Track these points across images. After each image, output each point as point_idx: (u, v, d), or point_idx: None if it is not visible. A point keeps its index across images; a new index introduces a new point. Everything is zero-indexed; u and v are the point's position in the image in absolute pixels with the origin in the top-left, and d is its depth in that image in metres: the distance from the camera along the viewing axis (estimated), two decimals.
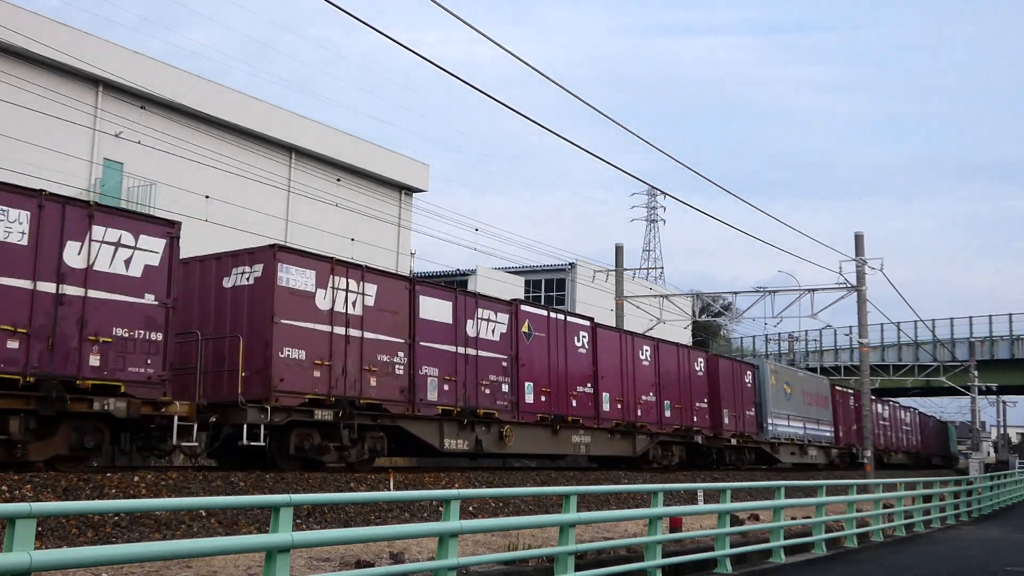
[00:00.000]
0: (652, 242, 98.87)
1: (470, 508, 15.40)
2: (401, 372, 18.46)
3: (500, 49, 13.96)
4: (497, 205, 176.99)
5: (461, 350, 20.08)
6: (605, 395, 25.02)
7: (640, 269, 52.04)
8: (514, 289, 45.83)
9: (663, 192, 25.66)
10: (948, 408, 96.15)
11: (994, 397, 73.38)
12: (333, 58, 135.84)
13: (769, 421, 34.58)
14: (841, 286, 34.53)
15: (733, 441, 31.64)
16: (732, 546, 13.58)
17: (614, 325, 32.86)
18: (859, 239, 34.50)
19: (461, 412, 19.79)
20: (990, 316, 63.36)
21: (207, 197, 29.93)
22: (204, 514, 12.07)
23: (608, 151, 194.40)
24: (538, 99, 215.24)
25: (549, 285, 52.63)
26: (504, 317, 21.75)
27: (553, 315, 23.68)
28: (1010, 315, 62.37)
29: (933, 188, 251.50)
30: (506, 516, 15.44)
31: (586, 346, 24.62)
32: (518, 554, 10.48)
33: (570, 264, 50.77)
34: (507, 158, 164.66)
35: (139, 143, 29.51)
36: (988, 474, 38.76)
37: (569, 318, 24.50)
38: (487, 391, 20.64)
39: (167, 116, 31.00)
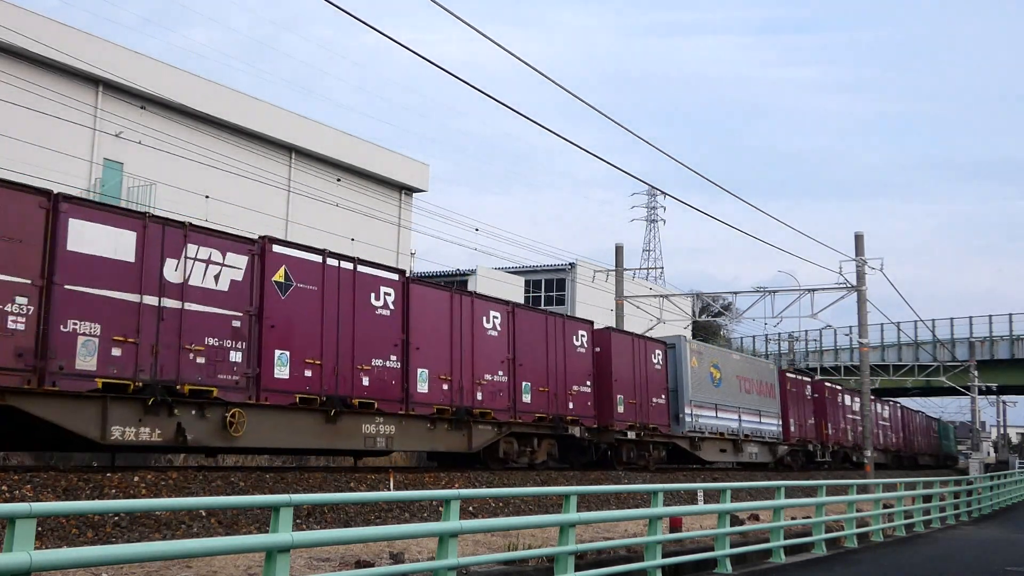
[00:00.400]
0: (652, 242, 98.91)
1: (470, 508, 15.40)
2: (20, 327, 12.71)
3: (500, 49, 13.97)
4: (497, 205, 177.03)
5: (151, 300, 14.24)
6: (421, 372, 18.71)
7: (640, 269, 51.96)
8: (514, 289, 45.84)
9: (663, 192, 25.65)
10: (948, 408, 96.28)
11: (994, 397, 73.36)
12: (333, 58, 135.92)
13: (687, 411, 28.66)
14: (841, 286, 34.52)
15: (631, 435, 25.47)
16: (732, 546, 13.59)
17: (477, 291, 23.97)
18: (859, 239, 34.49)
19: (144, 388, 13.92)
20: (990, 316, 63.43)
21: (207, 197, 29.93)
22: (204, 514, 12.07)
23: (608, 151, 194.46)
24: (538, 99, 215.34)
25: (549, 285, 52.62)
26: (238, 259, 15.66)
27: (333, 262, 17.41)
28: (1010, 315, 62.43)
29: (933, 188, 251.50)
30: (506, 516, 15.43)
31: (391, 306, 18.21)
32: (518, 554, 10.47)
33: (570, 264, 50.76)
34: (507, 158, 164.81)
35: (139, 143, 29.52)
36: (988, 474, 38.73)
37: (362, 267, 17.99)
38: (200, 360, 14.84)
39: (167, 116, 31.01)
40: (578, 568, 10.35)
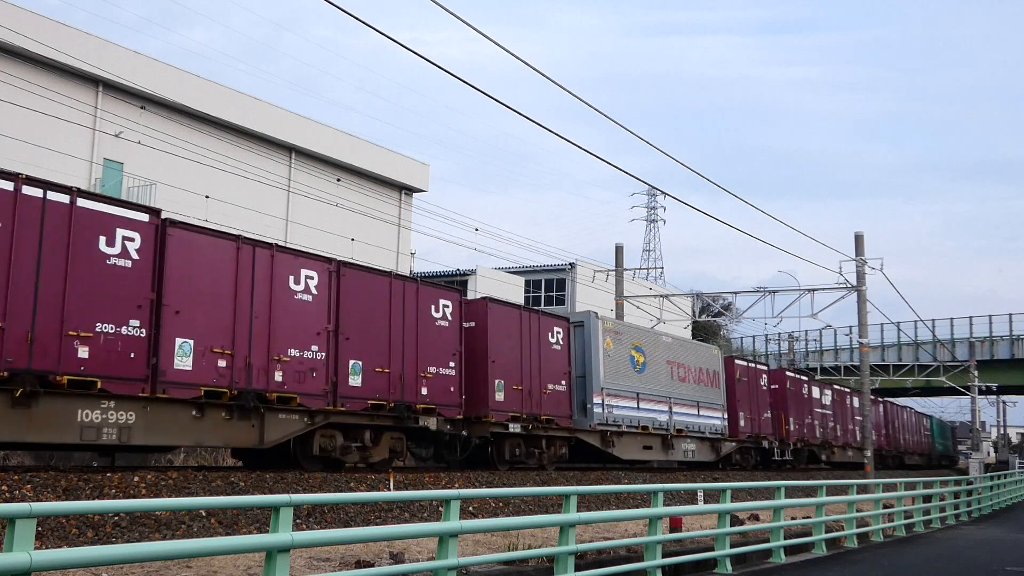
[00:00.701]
0: (652, 242, 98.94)
1: (470, 508, 15.40)
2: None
3: (500, 49, 13.97)
4: (497, 205, 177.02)
5: None
6: (183, 342, 14.68)
7: (640, 269, 51.98)
8: (514, 289, 45.84)
9: (663, 192, 25.54)
10: (948, 408, 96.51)
11: (994, 397, 73.37)
12: (334, 58, 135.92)
13: (597, 401, 24.23)
14: (841, 286, 34.53)
15: (515, 427, 21.13)
16: (732, 546, 13.58)
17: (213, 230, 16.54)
18: (859, 239, 34.50)
19: None
20: (990, 316, 63.46)
21: (207, 197, 29.93)
22: (204, 514, 12.07)
23: (608, 151, 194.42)
24: (538, 99, 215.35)
25: (549, 285, 52.62)
26: None
27: (30, 190, 13.10)
28: (1010, 315, 62.47)
29: (934, 188, 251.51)
30: (506, 516, 15.43)
31: (134, 254, 14.07)
32: (518, 554, 10.47)
33: (570, 264, 50.78)
34: (507, 158, 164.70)
35: (139, 143, 29.52)
36: (988, 474, 38.73)
37: (92, 203, 13.89)
38: None
39: (167, 116, 31.02)
40: (578, 568, 10.35)
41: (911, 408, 63.27)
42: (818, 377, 48.06)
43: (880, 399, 51.94)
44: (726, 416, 31.25)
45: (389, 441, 18.51)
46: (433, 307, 19.55)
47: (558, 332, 23.21)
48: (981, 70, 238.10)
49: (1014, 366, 62.26)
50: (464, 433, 20.17)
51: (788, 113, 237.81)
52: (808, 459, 40.05)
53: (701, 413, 29.63)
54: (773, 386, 36.22)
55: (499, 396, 20.85)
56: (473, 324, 20.87)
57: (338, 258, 18.20)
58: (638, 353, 26.55)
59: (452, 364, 19.73)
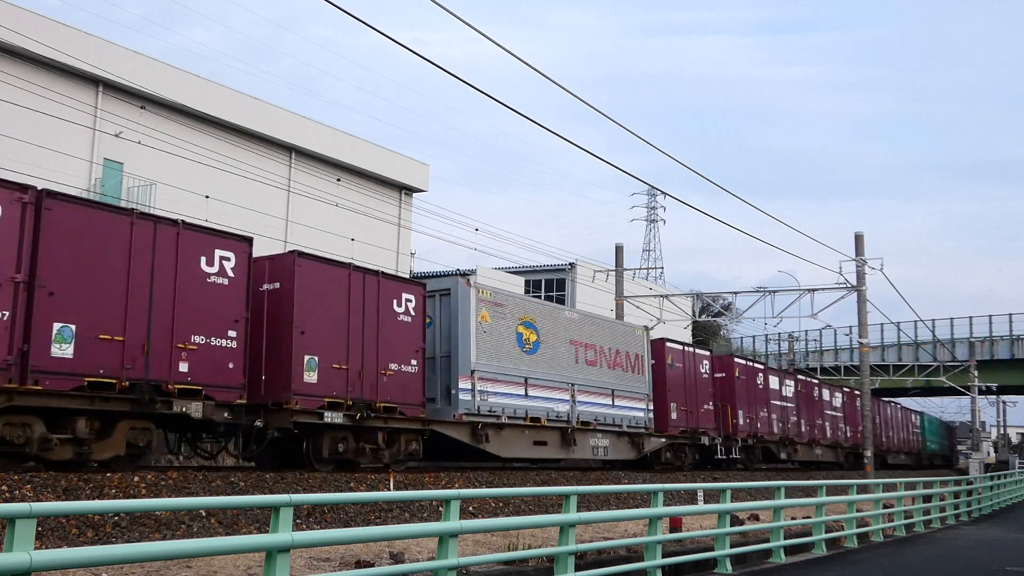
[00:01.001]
0: (652, 242, 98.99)
1: (470, 508, 15.41)
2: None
3: (500, 49, 13.97)
4: (497, 205, 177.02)
5: None
6: None
7: (640, 269, 51.96)
8: (515, 289, 45.85)
9: (663, 192, 25.50)
10: (948, 408, 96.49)
11: (994, 397, 73.39)
12: (334, 58, 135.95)
13: (466, 386, 20.01)
14: (841, 286, 34.55)
15: (333, 417, 16.97)
16: (732, 546, 13.59)
17: None
18: (859, 239, 34.52)
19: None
20: (990, 316, 63.49)
21: (207, 197, 29.93)
22: (204, 514, 12.07)
23: (608, 151, 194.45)
24: (538, 99, 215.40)
25: (549, 285, 52.66)
26: None
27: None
28: (1010, 315, 62.52)
29: (934, 188, 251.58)
30: (506, 516, 15.44)
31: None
32: (518, 554, 10.48)
33: (570, 264, 50.82)
34: (507, 158, 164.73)
35: (139, 143, 29.52)
36: (988, 474, 38.74)
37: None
38: None
39: (167, 116, 31.01)
40: (578, 568, 10.35)
41: (896, 403, 60.23)
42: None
43: (849, 389, 47.88)
44: (651, 407, 26.94)
45: (128, 433, 14.12)
46: (203, 259, 15.08)
47: (408, 300, 18.84)
48: (981, 70, 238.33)
49: (1014, 366, 62.29)
50: (258, 423, 16.09)
51: (788, 113, 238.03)
52: (764, 457, 35.90)
53: (617, 403, 25.26)
54: (719, 375, 32.05)
55: (310, 377, 16.66)
56: (278, 286, 16.72)
57: (46, 189, 13.72)
58: (528, 330, 22.21)
59: (232, 334, 15.17)
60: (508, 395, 21.31)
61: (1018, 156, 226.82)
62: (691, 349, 30.95)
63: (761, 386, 34.88)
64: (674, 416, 28.36)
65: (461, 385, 20.00)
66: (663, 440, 27.75)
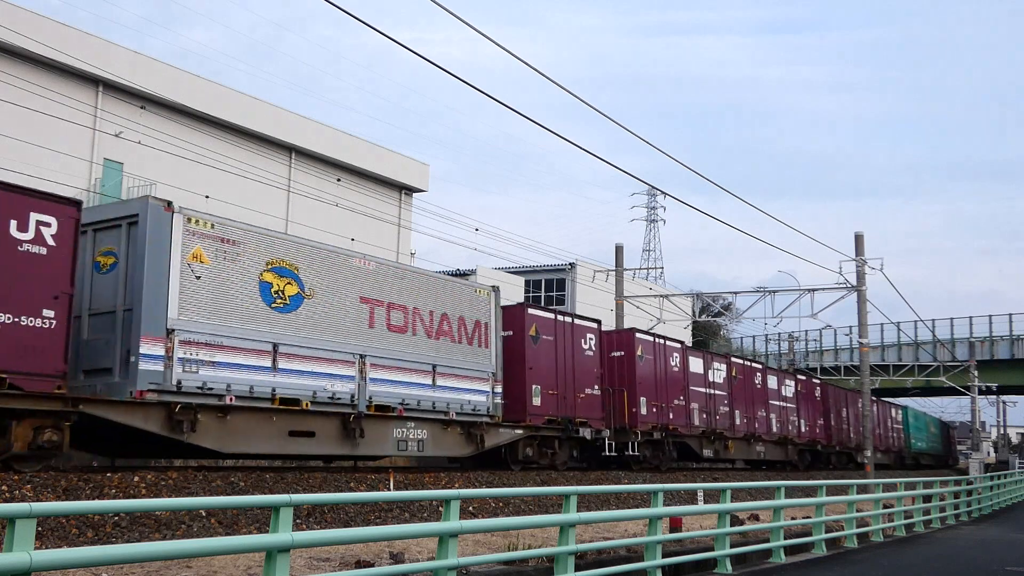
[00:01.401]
0: (652, 242, 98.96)
1: (470, 508, 15.40)
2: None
3: (500, 49, 13.97)
4: (497, 205, 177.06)
5: None
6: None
7: (640, 269, 52.00)
8: (514, 289, 45.84)
9: (663, 192, 25.50)
10: (948, 408, 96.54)
11: (994, 397, 73.40)
12: (334, 58, 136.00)
13: (155, 351, 14.30)
14: (841, 286, 34.55)
15: None
16: (732, 546, 13.58)
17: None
18: (859, 239, 34.52)
19: None
20: (990, 316, 63.49)
21: (207, 197, 29.94)
22: (204, 514, 12.07)
23: (608, 151, 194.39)
24: (538, 99, 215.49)
25: (549, 285, 52.65)
26: None
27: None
28: (1010, 315, 62.51)
29: (934, 188, 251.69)
30: (506, 516, 15.44)
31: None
32: (518, 554, 10.47)
33: (570, 264, 50.82)
34: (507, 158, 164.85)
35: (139, 143, 29.53)
36: (988, 474, 38.73)
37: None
38: None
39: (167, 116, 31.02)
40: (578, 568, 10.35)
41: (873, 397, 52.53)
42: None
43: (816, 378, 44.18)
44: (498, 389, 21.38)
45: None
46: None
47: (41, 224, 12.98)
48: (983, 69, 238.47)
49: (1014, 366, 62.30)
50: None
51: (788, 113, 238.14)
52: (680, 454, 29.54)
53: (441, 383, 19.73)
54: (617, 353, 26.37)
55: None
56: None
57: None
58: (283, 279, 16.64)
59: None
60: (240, 366, 15.62)
61: (1020, 156, 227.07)
62: (569, 320, 24.52)
63: (677, 368, 28.68)
64: (536, 402, 22.45)
65: (145, 350, 14.23)
66: (518, 432, 21.91)
